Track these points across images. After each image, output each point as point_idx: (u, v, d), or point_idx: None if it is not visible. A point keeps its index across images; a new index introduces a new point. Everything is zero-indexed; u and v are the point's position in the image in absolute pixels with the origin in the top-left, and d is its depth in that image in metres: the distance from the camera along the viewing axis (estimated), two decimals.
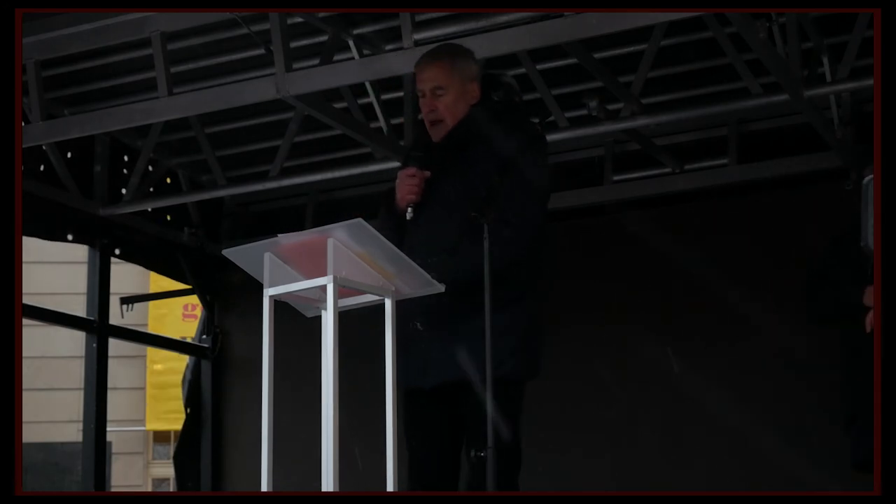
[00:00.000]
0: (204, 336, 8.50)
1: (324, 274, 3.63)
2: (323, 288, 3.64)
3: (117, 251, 7.91)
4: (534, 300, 4.21)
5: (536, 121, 4.75)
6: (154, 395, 14.70)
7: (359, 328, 3.90)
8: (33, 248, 9.15)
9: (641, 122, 6.49)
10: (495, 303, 3.87)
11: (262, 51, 5.95)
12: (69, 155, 7.38)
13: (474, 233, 3.96)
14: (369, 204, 4.48)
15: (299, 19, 5.96)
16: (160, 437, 15.10)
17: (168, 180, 8.08)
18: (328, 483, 3.53)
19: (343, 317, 3.63)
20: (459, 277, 3.97)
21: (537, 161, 4.24)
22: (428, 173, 4.20)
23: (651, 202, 7.26)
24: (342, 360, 3.60)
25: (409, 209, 4.18)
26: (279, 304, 3.77)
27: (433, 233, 4.15)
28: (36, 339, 12.75)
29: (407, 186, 4.19)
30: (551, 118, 6.54)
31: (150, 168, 7.81)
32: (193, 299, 9.59)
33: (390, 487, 3.68)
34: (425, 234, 4.16)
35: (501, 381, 3.89)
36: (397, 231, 4.16)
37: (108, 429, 7.73)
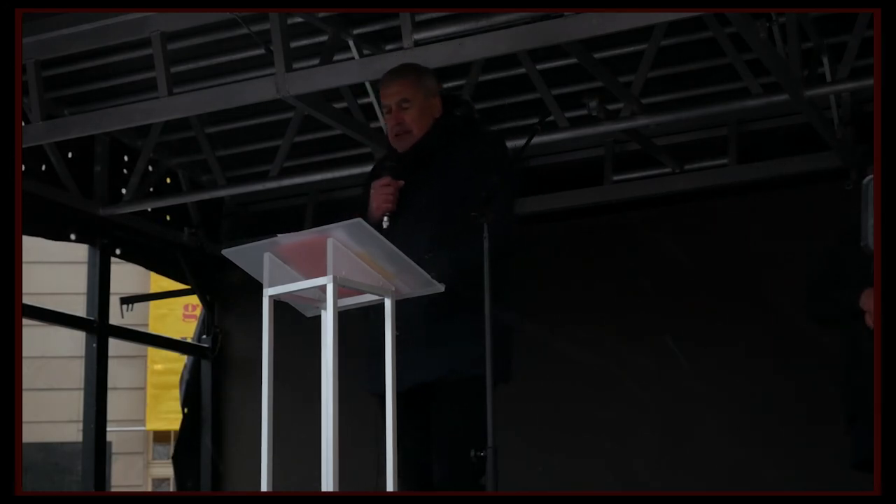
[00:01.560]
0: (204, 336, 8.50)
1: (323, 274, 3.63)
2: (323, 288, 3.65)
3: (118, 251, 7.90)
4: (507, 303, 4.25)
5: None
6: (154, 395, 14.70)
7: (359, 328, 3.90)
8: (33, 248, 9.14)
9: (641, 122, 6.48)
10: (471, 304, 3.95)
11: (262, 51, 5.96)
12: (69, 155, 7.38)
13: (448, 239, 4.13)
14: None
15: (299, 19, 5.96)
16: (160, 437, 15.10)
17: (168, 180, 8.08)
18: (328, 483, 3.53)
19: (342, 317, 3.64)
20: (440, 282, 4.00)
21: (507, 167, 4.37)
22: (402, 183, 4.30)
23: (651, 202, 7.26)
24: (342, 359, 3.61)
25: (385, 218, 4.25)
26: (279, 304, 3.78)
27: (409, 239, 4.18)
28: (36, 339, 12.74)
29: (382, 195, 4.29)
30: (551, 118, 6.54)
31: (150, 168, 7.80)
32: (193, 299, 9.57)
33: (390, 487, 3.68)
34: (401, 241, 4.18)
35: (475, 381, 3.94)
36: None
37: (108, 429, 7.72)
